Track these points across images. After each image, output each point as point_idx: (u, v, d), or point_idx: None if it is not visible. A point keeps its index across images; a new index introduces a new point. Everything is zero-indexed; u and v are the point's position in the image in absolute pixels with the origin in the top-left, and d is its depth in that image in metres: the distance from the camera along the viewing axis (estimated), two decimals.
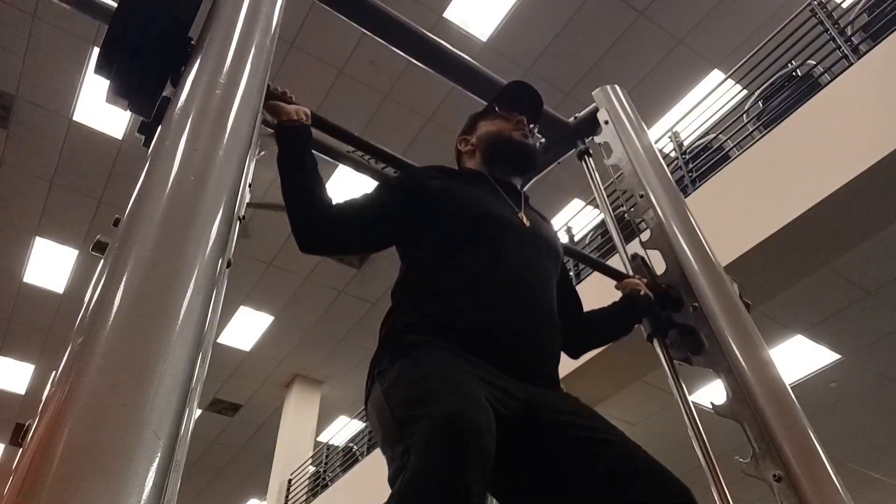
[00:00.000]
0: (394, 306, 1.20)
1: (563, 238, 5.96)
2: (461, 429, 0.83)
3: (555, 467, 1.03)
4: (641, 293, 1.42)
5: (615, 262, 1.70)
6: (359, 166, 1.48)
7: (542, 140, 1.87)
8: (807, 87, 4.21)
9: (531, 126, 1.44)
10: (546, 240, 1.32)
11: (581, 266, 5.55)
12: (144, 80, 1.02)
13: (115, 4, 1.05)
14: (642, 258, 1.55)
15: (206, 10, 1.08)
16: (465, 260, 1.17)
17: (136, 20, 1.02)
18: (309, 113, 1.25)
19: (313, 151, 1.25)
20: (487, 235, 1.21)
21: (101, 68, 1.04)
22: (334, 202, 1.18)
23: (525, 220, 1.29)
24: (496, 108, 1.45)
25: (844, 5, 4.37)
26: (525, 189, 1.46)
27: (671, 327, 1.43)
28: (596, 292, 1.57)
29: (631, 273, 1.54)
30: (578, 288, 1.47)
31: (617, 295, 1.49)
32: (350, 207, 1.21)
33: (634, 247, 1.60)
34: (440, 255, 1.19)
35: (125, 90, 1.04)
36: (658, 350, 1.44)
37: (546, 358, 1.17)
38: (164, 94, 0.97)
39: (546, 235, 1.33)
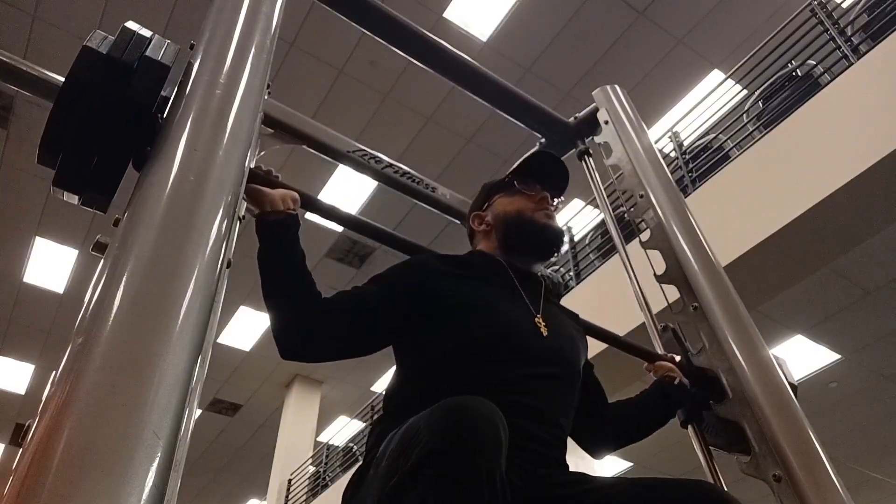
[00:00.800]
0: (385, 416, 1.07)
1: (564, 241, 5.94)
2: (470, 416, 0.74)
3: None
4: (676, 382, 1.27)
5: (615, 262, 1.69)
6: (359, 166, 1.48)
7: (543, 140, 1.88)
8: (807, 87, 4.21)
9: (555, 203, 1.28)
10: (565, 350, 1.15)
11: (581, 265, 5.56)
12: (98, 170, 0.85)
13: (61, 80, 0.88)
14: (674, 329, 1.42)
15: (206, 9, 1.08)
16: (470, 381, 1.02)
17: (85, 102, 0.84)
18: (297, 197, 1.10)
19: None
20: (497, 354, 1.06)
21: (44, 157, 0.85)
22: (322, 299, 1.02)
23: (542, 325, 1.12)
24: (515, 183, 1.27)
25: (844, 5, 4.37)
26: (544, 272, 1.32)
27: (706, 408, 1.29)
28: (595, 293, 1.56)
29: (662, 349, 1.42)
30: (578, 288, 1.47)
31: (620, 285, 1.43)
32: (342, 313, 1.04)
33: (635, 247, 1.60)
34: (442, 370, 1.05)
35: (74, 183, 0.87)
36: (692, 436, 1.33)
37: (555, 464, 1.05)
38: (163, 94, 0.90)
39: (565, 344, 1.16)
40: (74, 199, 0.89)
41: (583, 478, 0.99)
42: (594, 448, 1.29)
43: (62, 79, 0.90)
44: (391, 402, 1.09)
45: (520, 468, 0.93)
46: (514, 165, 1.31)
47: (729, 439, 1.25)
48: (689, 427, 1.33)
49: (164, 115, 0.88)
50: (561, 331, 1.17)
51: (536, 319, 1.13)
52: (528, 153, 1.33)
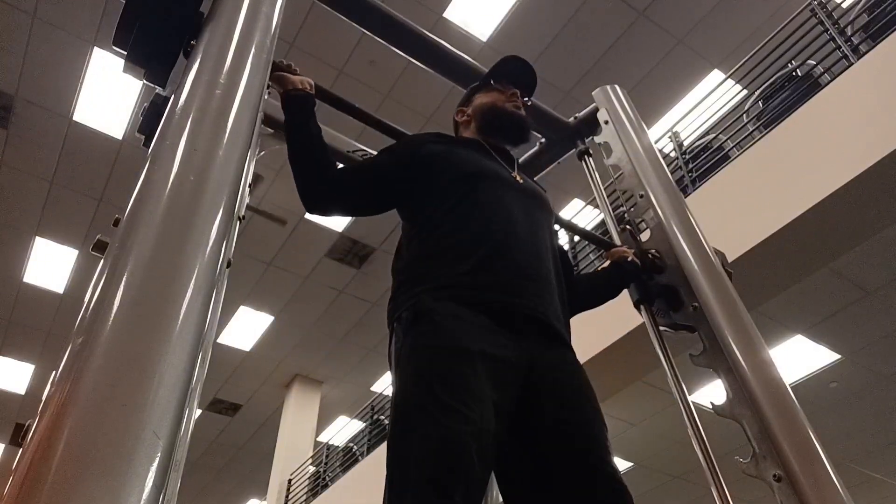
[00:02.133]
0: (402, 257, 1.26)
1: (563, 238, 5.96)
2: (448, 466, 0.89)
3: (536, 459, 1.05)
4: (629, 259, 1.49)
5: None
6: None
7: (543, 140, 1.88)
8: (807, 87, 4.21)
9: (525, 99, 1.50)
10: (539, 195, 1.39)
11: (582, 265, 5.56)
12: (159, 50, 1.10)
13: None
14: (630, 230, 1.62)
15: (207, 10, 1.08)
16: (463, 213, 1.23)
17: None
18: (313, 83, 1.34)
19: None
20: (483, 190, 1.27)
21: (118, 40, 1.11)
22: (338, 166, 1.28)
23: (518, 178, 1.37)
24: (491, 82, 1.50)
25: (844, 5, 4.37)
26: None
27: (658, 295, 1.48)
28: None
29: (619, 243, 1.61)
30: None
31: None
32: (352, 169, 1.34)
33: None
34: (440, 212, 1.24)
35: (142, 60, 1.12)
36: (644, 317, 1.49)
37: (550, 302, 1.19)
38: (164, 93, 0.95)
39: (539, 193, 1.40)
40: (140, 74, 1.13)
41: (569, 389, 1.12)
42: None
43: None
44: (404, 247, 1.27)
45: (519, 323, 1.11)
46: (490, 69, 1.53)
47: (671, 308, 1.43)
48: (642, 308, 1.49)
49: (165, 115, 0.89)
50: (532, 184, 1.42)
51: (513, 174, 1.38)
52: (502, 57, 1.52)
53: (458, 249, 1.17)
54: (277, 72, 1.29)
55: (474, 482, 0.91)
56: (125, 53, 1.11)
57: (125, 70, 1.14)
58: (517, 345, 1.08)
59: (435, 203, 1.26)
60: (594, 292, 1.49)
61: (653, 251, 1.53)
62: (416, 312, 1.08)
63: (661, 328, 1.45)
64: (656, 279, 1.49)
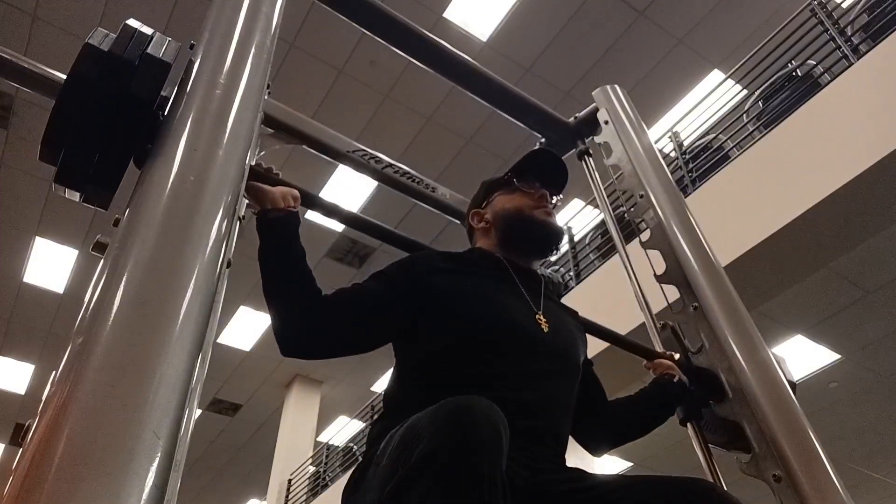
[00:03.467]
0: (386, 413, 1.07)
1: (564, 240, 5.94)
2: (471, 417, 0.74)
3: None
4: (675, 380, 1.28)
5: (615, 262, 1.68)
6: (359, 167, 1.47)
7: (543, 140, 1.88)
8: (807, 87, 4.21)
9: (554, 200, 1.29)
10: (565, 347, 1.15)
11: (581, 265, 5.55)
12: (99, 167, 0.85)
13: (63, 77, 0.88)
14: (672, 328, 1.41)
15: (207, 10, 1.08)
16: (471, 376, 1.03)
17: (86, 99, 0.83)
18: (298, 195, 1.10)
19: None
20: (498, 349, 1.06)
21: (45, 154, 0.84)
22: (323, 296, 1.02)
23: (543, 321, 1.13)
24: (515, 181, 1.28)
25: (844, 5, 4.37)
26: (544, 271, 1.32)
27: (705, 406, 1.30)
28: (595, 293, 1.56)
29: (661, 348, 1.42)
30: (578, 288, 1.47)
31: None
32: (343, 308, 1.04)
33: (635, 247, 1.60)
34: (443, 365, 1.05)
35: (76, 180, 0.86)
36: (692, 435, 1.33)
37: (553, 463, 1.05)
38: (164, 93, 0.90)
39: (565, 341, 1.16)
40: (76, 197, 0.88)
41: (579, 475, 1.00)
42: (593, 445, 1.29)
43: (64, 76, 0.90)
44: (391, 400, 1.09)
45: (518, 465, 0.93)
46: (514, 164, 1.32)
47: (728, 437, 1.25)
48: (689, 425, 1.33)
49: (165, 115, 0.88)
50: (561, 328, 1.17)
51: (537, 316, 1.13)
52: (528, 152, 1.33)
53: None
54: (254, 181, 1.04)
55: (501, 443, 0.75)
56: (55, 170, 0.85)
57: (56, 191, 0.88)
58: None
59: (437, 353, 1.06)
60: (636, 425, 1.28)
61: (707, 368, 1.30)
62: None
63: (711, 445, 1.30)
64: (713, 408, 1.27)
